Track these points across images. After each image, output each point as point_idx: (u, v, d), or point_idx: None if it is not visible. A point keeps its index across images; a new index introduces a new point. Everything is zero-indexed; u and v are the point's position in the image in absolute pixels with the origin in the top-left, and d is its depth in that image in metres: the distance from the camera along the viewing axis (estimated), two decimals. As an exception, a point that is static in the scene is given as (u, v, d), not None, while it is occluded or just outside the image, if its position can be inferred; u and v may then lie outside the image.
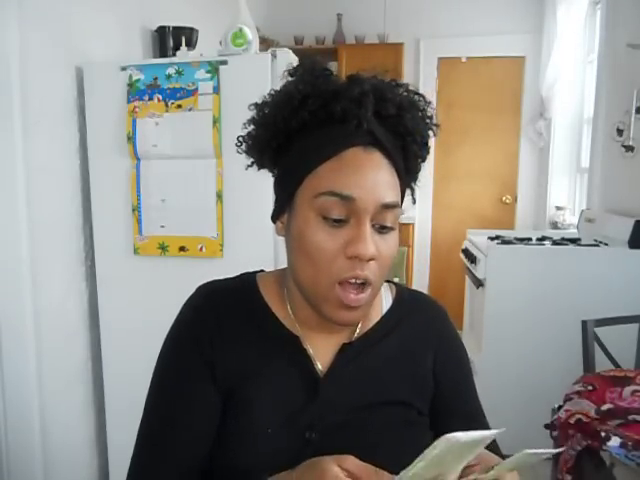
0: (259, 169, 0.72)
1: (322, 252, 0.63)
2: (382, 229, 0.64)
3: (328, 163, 0.63)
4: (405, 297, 0.79)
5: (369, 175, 0.62)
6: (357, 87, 0.63)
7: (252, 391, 0.68)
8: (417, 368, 0.75)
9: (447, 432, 0.73)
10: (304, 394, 0.68)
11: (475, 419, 0.78)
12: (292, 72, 0.68)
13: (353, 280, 0.62)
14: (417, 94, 0.68)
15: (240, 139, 0.71)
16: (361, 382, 0.71)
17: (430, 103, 0.69)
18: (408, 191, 0.72)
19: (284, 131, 0.65)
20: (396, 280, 0.86)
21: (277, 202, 0.71)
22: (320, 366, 0.70)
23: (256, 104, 0.69)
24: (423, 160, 0.71)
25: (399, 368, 0.73)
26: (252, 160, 0.72)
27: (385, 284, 0.79)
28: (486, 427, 0.79)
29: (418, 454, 0.73)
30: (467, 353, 0.82)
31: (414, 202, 0.77)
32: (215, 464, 0.68)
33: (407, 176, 0.70)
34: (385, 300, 0.77)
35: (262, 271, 0.79)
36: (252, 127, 0.69)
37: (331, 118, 0.63)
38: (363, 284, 0.63)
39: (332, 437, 0.67)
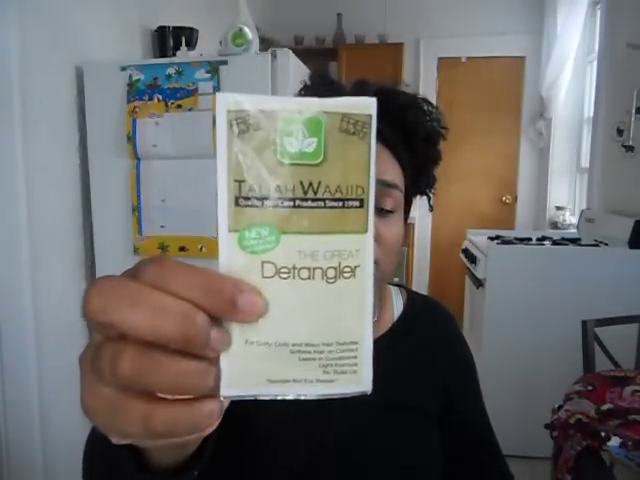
0: None
1: None
2: (381, 211, 0.64)
3: None
4: (416, 302, 0.79)
5: None
6: (359, 86, 0.66)
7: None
8: (430, 374, 0.75)
9: (453, 439, 0.74)
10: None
11: (481, 428, 0.79)
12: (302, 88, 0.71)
13: None
14: (423, 98, 0.70)
15: None
16: (376, 385, 0.70)
17: (437, 108, 0.70)
18: (420, 197, 0.74)
19: None
20: (396, 280, 0.86)
21: None
22: None
23: None
24: (433, 161, 0.71)
25: (413, 373, 0.73)
26: None
27: (396, 288, 0.79)
28: (493, 442, 0.79)
29: (431, 459, 0.72)
30: (474, 360, 0.82)
31: (431, 209, 0.78)
32: (225, 465, 0.66)
33: (418, 177, 0.70)
34: (396, 305, 0.77)
35: None
36: None
37: None
38: None
39: (349, 442, 0.66)
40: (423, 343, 0.76)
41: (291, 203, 0.25)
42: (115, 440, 0.27)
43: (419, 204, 0.79)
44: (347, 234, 0.26)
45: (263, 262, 0.25)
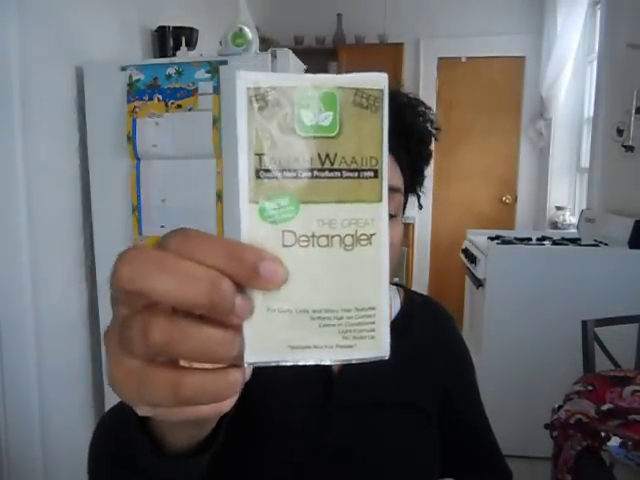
0: None
1: None
2: None
3: None
4: (414, 301, 0.79)
5: None
6: None
7: (267, 391, 0.67)
8: (428, 373, 0.75)
9: (452, 440, 0.74)
10: (319, 394, 0.68)
11: (480, 428, 0.79)
12: None
13: None
14: (416, 99, 0.70)
15: None
16: (374, 383, 0.71)
17: (430, 109, 0.71)
18: (412, 196, 0.74)
19: None
20: (396, 280, 0.86)
21: None
22: (333, 367, 0.70)
23: None
24: (425, 161, 0.72)
25: (411, 372, 0.73)
26: None
27: (394, 287, 0.79)
28: (491, 441, 0.80)
29: (430, 458, 0.73)
30: (472, 361, 0.82)
31: (420, 207, 0.78)
32: (225, 463, 0.67)
33: (412, 177, 0.71)
34: (394, 304, 0.77)
35: None
36: None
37: None
38: None
39: (347, 438, 0.67)
40: (421, 343, 0.76)
41: (309, 174, 0.26)
42: (142, 412, 0.28)
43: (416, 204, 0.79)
44: (363, 203, 0.27)
45: (283, 231, 0.26)
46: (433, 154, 0.74)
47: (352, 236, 0.27)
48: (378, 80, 0.27)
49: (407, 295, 0.79)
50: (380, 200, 0.27)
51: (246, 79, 0.26)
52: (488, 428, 0.80)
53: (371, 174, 0.27)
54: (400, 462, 0.67)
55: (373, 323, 0.27)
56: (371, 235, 0.27)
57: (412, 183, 0.72)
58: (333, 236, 0.26)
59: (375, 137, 0.27)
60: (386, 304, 0.27)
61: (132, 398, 0.27)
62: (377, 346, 0.28)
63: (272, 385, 0.67)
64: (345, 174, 0.27)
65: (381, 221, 0.27)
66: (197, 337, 0.25)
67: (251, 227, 0.26)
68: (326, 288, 0.26)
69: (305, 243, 0.26)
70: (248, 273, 0.25)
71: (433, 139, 0.72)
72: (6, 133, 1.50)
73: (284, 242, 0.26)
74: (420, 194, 0.76)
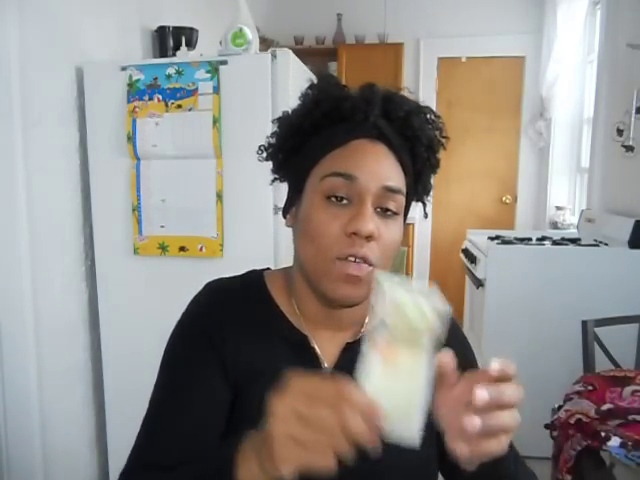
0: (275, 173, 0.76)
1: (324, 231, 0.64)
2: (385, 212, 0.66)
3: (334, 152, 0.66)
4: None
5: (372, 159, 0.66)
6: (367, 89, 0.68)
7: (260, 390, 0.67)
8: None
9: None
10: None
11: None
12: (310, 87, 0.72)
13: (352, 258, 0.63)
14: (426, 106, 0.71)
15: (262, 148, 0.75)
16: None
17: (440, 117, 0.72)
18: (417, 204, 0.76)
19: (297, 132, 0.69)
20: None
21: (288, 198, 0.74)
22: (326, 365, 0.71)
23: (278, 118, 0.73)
24: (432, 169, 0.73)
25: None
26: (275, 176, 0.76)
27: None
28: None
29: (425, 458, 0.72)
30: (474, 352, 0.82)
31: (426, 216, 0.81)
32: None
33: (417, 183, 0.72)
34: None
35: (268, 269, 0.80)
36: (273, 138, 0.74)
37: (341, 117, 0.67)
38: (362, 263, 0.64)
39: None
40: None
41: None
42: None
43: (420, 204, 0.80)
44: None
45: None
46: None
47: None
48: None
49: None
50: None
51: None
52: None
53: None
54: (397, 462, 0.67)
55: None
56: None
57: (417, 190, 0.73)
58: None
59: None
60: None
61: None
62: None
63: (267, 387, 0.68)
64: None
65: None
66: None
67: None
68: None
69: None
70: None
71: (441, 148, 0.73)
72: (6, 133, 1.50)
73: None
74: (426, 202, 0.77)
